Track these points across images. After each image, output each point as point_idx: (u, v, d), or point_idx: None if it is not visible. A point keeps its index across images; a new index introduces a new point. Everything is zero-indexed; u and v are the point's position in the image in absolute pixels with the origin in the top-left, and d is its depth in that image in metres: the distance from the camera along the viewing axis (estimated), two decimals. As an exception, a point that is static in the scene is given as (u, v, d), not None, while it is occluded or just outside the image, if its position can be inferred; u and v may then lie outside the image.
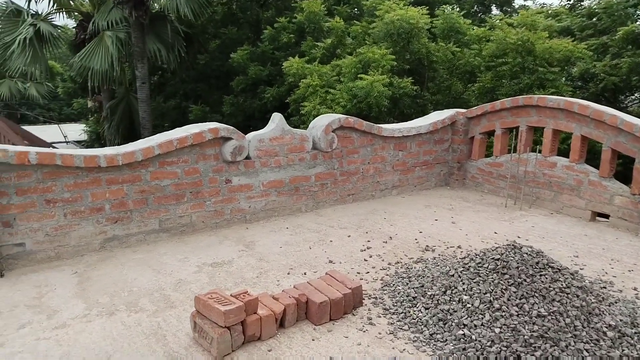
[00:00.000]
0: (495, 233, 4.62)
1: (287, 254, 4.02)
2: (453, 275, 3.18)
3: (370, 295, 3.31)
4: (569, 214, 5.18)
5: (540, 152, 5.38)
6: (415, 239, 4.39)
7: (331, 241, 4.31)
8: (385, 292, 3.36)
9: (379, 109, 8.14)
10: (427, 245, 4.23)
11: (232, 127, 4.37)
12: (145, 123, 14.56)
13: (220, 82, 15.84)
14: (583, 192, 5.05)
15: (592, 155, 5.97)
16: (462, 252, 4.11)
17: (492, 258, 3.11)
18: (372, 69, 8.58)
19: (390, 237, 4.42)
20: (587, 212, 5.02)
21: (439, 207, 5.42)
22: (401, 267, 3.77)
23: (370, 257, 3.98)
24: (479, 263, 3.15)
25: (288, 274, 3.65)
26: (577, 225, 4.90)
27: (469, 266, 3.17)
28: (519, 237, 4.52)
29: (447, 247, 4.22)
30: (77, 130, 25.60)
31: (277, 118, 4.71)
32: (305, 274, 3.65)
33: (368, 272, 3.68)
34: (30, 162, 3.45)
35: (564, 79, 8.62)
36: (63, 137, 24.99)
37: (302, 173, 4.95)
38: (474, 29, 9.79)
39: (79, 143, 23.34)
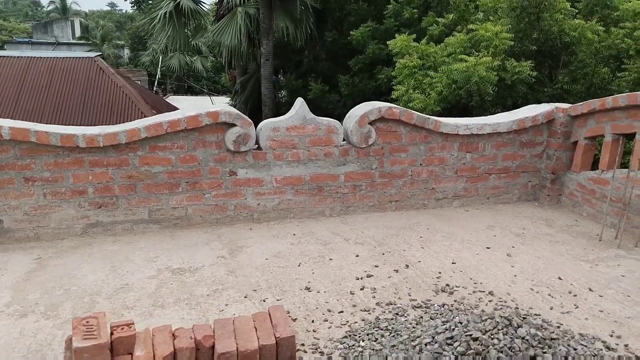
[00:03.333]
0: (560, 279, 3.38)
1: (266, 269, 3.38)
2: (415, 347, 2.25)
3: (317, 348, 2.54)
4: (694, 265, 3.63)
5: (663, 171, 3.85)
6: (439, 273, 3.41)
7: (331, 260, 3.55)
8: (341, 346, 2.55)
9: (481, 98, 6.85)
10: (447, 285, 3.23)
11: (236, 112, 3.82)
12: (266, 100, 14.76)
13: (346, 61, 15.32)
14: None
15: None
16: (491, 301, 3.05)
17: (469, 335, 2.12)
18: (482, 49, 7.24)
19: (407, 265, 3.50)
20: None
21: (505, 230, 4.23)
22: (389, 312, 2.88)
23: (362, 289, 3.15)
24: (447, 336, 2.17)
25: (245, 297, 3.02)
26: (698, 283, 3.39)
27: (434, 338, 2.21)
28: (590, 289, 3.24)
29: (474, 291, 3.17)
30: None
31: (298, 104, 4.03)
32: (265, 300, 2.99)
33: (342, 312, 2.88)
34: (2, 136, 3.34)
35: None
36: None
37: (327, 170, 4.21)
38: (630, 1, 7.68)
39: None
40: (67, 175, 3.58)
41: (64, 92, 12.83)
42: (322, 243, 3.82)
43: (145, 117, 12.99)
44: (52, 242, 3.65)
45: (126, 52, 46.00)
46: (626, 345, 2.63)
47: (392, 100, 8.05)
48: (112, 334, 2.22)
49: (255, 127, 3.94)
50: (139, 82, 24.22)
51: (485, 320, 2.46)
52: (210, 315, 2.81)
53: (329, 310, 2.90)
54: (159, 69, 29.17)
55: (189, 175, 3.86)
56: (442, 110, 7.20)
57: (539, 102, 6.96)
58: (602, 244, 4.01)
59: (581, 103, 4.55)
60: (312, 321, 2.78)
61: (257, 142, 3.98)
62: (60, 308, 2.83)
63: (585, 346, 2.60)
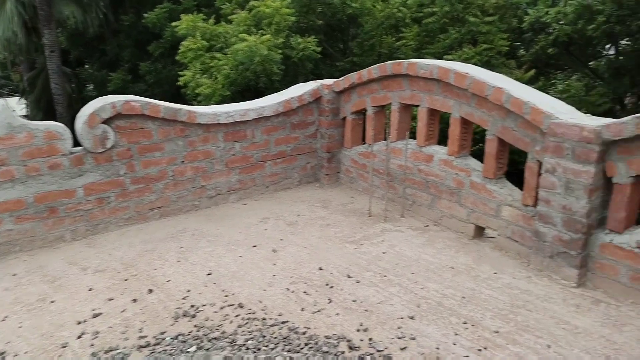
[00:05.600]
0: (321, 269, 3.16)
1: (-46, 332, 2.58)
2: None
3: None
4: (449, 227, 3.70)
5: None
6: (188, 291, 2.94)
7: (53, 302, 2.84)
8: None
9: (268, 78, 6.54)
10: (192, 306, 2.77)
11: None
12: (58, 97, 12.93)
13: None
14: (464, 198, 3.55)
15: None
16: (238, 316, 2.68)
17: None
18: (265, 27, 6.92)
19: (151, 290, 2.96)
20: (470, 226, 3.55)
21: (278, 220, 3.94)
22: (104, 363, 2.33)
23: (80, 337, 2.52)
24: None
25: None
26: (451, 247, 3.44)
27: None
28: (349, 276, 3.07)
29: (222, 307, 2.77)
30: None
31: (-3, 110, 3.18)
32: None
33: (40, 374, 2.26)
34: None
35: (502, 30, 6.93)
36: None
37: (58, 186, 3.45)
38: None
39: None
40: None
41: None
42: (50, 280, 3.09)
43: None
44: None
45: None
46: (370, 339, 2.45)
47: (180, 87, 7.40)
48: None
49: None
50: None
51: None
52: None
53: (23, 378, 2.24)
54: None
55: None
56: (233, 94, 6.77)
57: (332, 76, 6.89)
58: (372, 219, 3.93)
59: (342, 78, 4.42)
60: (-7, 401, 2.11)
61: (-58, 165, 3.07)
62: None
63: (327, 352, 2.36)
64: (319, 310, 2.71)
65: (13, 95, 24.19)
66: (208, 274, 3.13)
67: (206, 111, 3.95)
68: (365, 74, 4.12)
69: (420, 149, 3.81)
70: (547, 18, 7.03)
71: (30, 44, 13.35)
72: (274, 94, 4.57)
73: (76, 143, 3.47)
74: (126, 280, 3.09)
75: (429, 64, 3.55)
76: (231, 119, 4.07)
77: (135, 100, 3.59)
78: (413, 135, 3.93)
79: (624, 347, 2.33)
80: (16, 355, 2.41)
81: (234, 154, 4.22)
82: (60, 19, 12.78)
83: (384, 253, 3.37)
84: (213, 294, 2.91)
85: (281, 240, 3.59)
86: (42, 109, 14.25)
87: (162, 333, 2.54)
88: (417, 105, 3.82)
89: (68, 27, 13.63)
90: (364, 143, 4.52)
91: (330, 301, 2.80)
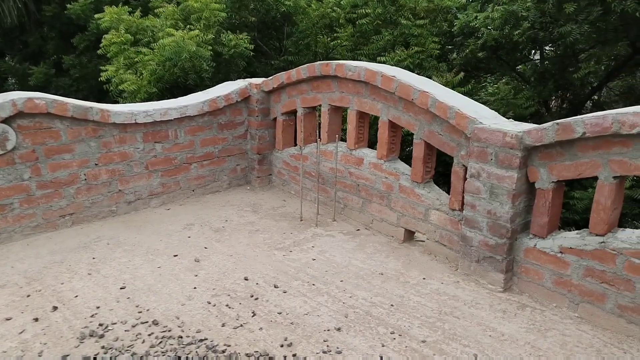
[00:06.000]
0: (246, 280, 2.99)
1: None
2: None
3: None
4: (380, 231, 3.65)
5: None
6: (97, 308, 2.68)
7: (-63, 323, 2.52)
8: None
9: (198, 75, 6.25)
10: (101, 324, 2.52)
11: None
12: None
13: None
14: (394, 202, 3.51)
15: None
16: (152, 334, 2.46)
17: None
18: (194, 22, 6.61)
19: (56, 307, 2.68)
20: (400, 230, 3.50)
21: (204, 227, 3.72)
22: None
23: (-33, 362, 2.24)
24: None
25: None
26: (381, 251, 3.38)
27: None
28: (276, 286, 2.92)
29: (135, 325, 2.53)
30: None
31: None
32: None
33: None
34: None
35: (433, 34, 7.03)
36: None
37: (-53, 193, 3.07)
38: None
39: None
40: None
41: None
42: (-64, 298, 2.73)
43: None
44: None
45: None
46: (294, 355, 2.32)
47: (102, 84, 6.95)
48: None
49: None
50: None
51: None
52: None
53: None
54: None
55: None
56: (160, 91, 6.41)
57: (267, 75, 6.70)
58: (303, 224, 3.81)
59: (271, 77, 4.26)
60: None
61: None
62: None
63: (248, 371, 2.20)
64: (241, 325, 2.54)
65: None
66: (121, 288, 2.88)
67: (122, 110, 3.66)
68: (294, 74, 3.99)
69: (351, 152, 3.73)
70: (475, 23, 7.21)
71: None
72: (199, 93, 4.34)
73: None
74: (28, 296, 2.78)
75: (356, 66, 3.47)
76: (150, 118, 3.81)
77: (40, 97, 3.26)
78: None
79: (548, 354, 2.34)
80: None
81: (154, 156, 3.95)
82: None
83: (314, 260, 3.25)
84: (125, 310, 2.66)
85: (205, 248, 3.39)
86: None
87: (65, 357, 2.29)
88: (347, 108, 3.74)
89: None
90: (296, 145, 4.39)
91: (254, 314, 2.64)
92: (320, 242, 3.51)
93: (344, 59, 6.48)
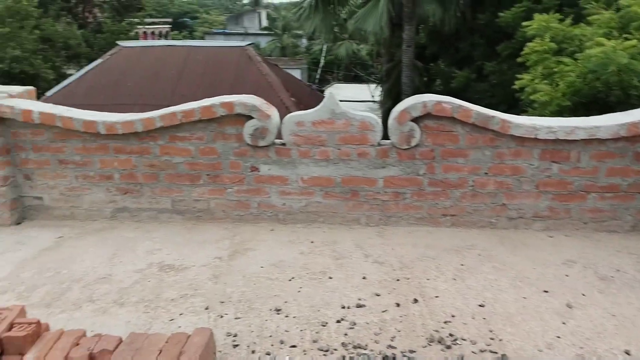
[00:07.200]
0: (627, 353, 2.38)
1: (252, 279, 3.03)
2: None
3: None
4: None
5: None
6: (452, 316, 2.67)
7: (330, 278, 3.05)
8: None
9: (624, 92, 5.39)
10: (451, 334, 2.50)
11: (252, 103, 3.50)
12: (406, 89, 14.06)
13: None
14: None
15: None
16: (496, 369, 2.27)
17: None
18: (633, 30, 5.69)
19: (416, 300, 2.82)
20: None
21: (587, 269, 3.18)
22: (349, 359, 2.32)
23: (339, 322, 2.60)
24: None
25: (206, 308, 2.73)
26: None
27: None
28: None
29: (483, 350, 2.39)
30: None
31: (327, 96, 3.55)
32: (222, 316, 2.65)
33: (294, 347, 2.41)
34: (33, 120, 3.55)
35: None
36: (371, 96, 26.26)
37: (362, 173, 3.66)
38: None
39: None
40: (94, 160, 3.70)
41: (215, 79, 13.90)
42: (335, 257, 3.31)
43: (284, 104, 13.40)
44: (84, 222, 3.82)
45: (303, 42, 48.45)
46: None
47: (516, 92, 6.90)
48: (10, 330, 2.14)
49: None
50: (299, 71, 25.32)
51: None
52: (156, 323, 2.60)
53: (281, 342, 2.45)
54: (321, 58, 30.14)
55: (209, 167, 3.69)
56: (574, 105, 5.88)
57: None
58: None
59: None
60: (253, 351, 2.38)
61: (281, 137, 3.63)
62: (37, 290, 2.90)
63: None
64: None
65: (374, 83, 27.79)
66: (480, 305, 2.77)
67: (523, 122, 3.47)
68: None
69: None
70: None
71: (393, 39, 14.89)
72: (619, 114, 3.67)
73: (385, 137, 3.58)
74: (397, 280, 3.04)
75: None
76: (553, 135, 3.47)
77: (448, 102, 3.44)
78: None
79: None
80: (286, 316, 2.66)
81: (549, 176, 3.61)
82: (421, 16, 13.74)
83: None
84: (478, 330, 2.55)
85: (583, 295, 2.88)
86: (392, 98, 15.81)
87: (411, 352, 2.38)
88: None
89: (428, 24, 14.55)
90: None
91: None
92: None
93: None
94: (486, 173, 3.63)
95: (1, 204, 3.68)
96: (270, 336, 2.49)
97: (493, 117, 3.45)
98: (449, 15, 13.56)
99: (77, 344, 2.18)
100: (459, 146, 3.58)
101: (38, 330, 2.20)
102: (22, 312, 2.27)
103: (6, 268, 3.15)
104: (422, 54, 15.87)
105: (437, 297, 2.86)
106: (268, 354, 2.36)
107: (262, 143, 3.56)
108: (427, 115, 3.48)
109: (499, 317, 2.66)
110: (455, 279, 3.05)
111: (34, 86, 4.10)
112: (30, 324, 2.17)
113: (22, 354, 2.11)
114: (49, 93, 13.64)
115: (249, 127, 3.52)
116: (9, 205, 3.70)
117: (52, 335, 2.23)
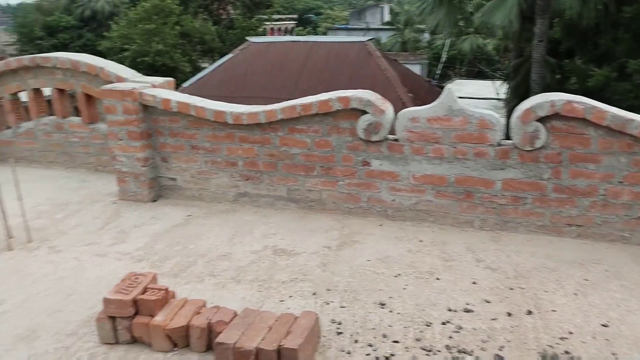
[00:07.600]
0: None
1: (359, 271, 3.08)
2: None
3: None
4: None
5: None
6: (570, 333, 2.48)
7: (438, 279, 2.99)
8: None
9: None
10: (567, 352, 2.34)
11: (367, 98, 3.52)
12: (535, 86, 13.15)
13: (648, 41, 12.16)
14: None
15: None
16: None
17: None
18: None
19: (531, 311, 2.66)
20: None
21: None
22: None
23: (445, 324, 2.56)
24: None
25: (314, 294, 2.85)
26: None
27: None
28: None
29: (600, 371, 2.21)
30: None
31: (444, 92, 3.45)
32: (329, 303, 2.76)
33: (396, 342, 2.42)
34: (172, 108, 3.94)
35: None
36: (496, 93, 24.99)
37: (478, 173, 3.52)
38: None
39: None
40: (222, 147, 4.00)
41: (335, 74, 14.20)
42: (444, 258, 3.24)
43: (401, 99, 13.27)
44: (210, 203, 4.16)
45: (425, 36, 47.35)
46: None
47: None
48: (144, 293, 2.43)
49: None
50: (419, 66, 24.85)
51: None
52: (268, 302, 2.77)
53: (384, 336, 2.48)
54: (443, 53, 29.25)
55: (322, 159, 3.80)
56: None
57: None
58: None
59: None
60: (356, 341, 2.44)
61: (394, 133, 3.62)
62: (167, 261, 3.24)
63: None
64: None
65: (499, 79, 26.34)
66: (603, 325, 2.54)
67: None
68: None
69: None
70: None
71: (523, 33, 13.96)
72: None
73: (506, 136, 3.41)
74: (511, 289, 2.89)
75: None
76: None
77: (579, 101, 3.16)
78: None
79: None
80: (390, 311, 2.67)
81: None
82: (556, 9, 12.72)
83: None
84: (599, 351, 2.35)
85: None
86: (519, 96, 14.82)
87: (522, 364, 2.26)
88: None
89: (564, 17, 13.42)
90: None
91: None
92: None
93: None
94: (620, 182, 3.29)
95: (141, 182, 4.14)
96: (373, 329, 2.53)
97: (632, 120, 3.11)
98: (588, 7, 12.36)
99: (199, 313, 2.42)
100: (590, 150, 3.29)
101: (166, 297, 2.46)
102: (154, 279, 2.56)
103: (143, 239, 3.56)
104: (555, 49, 14.67)
105: (554, 310, 2.67)
106: (370, 345, 2.40)
107: (374, 138, 3.59)
108: (555, 116, 3.24)
109: (624, 340, 2.43)
110: (576, 294, 2.83)
111: (173, 78, 4.55)
112: (160, 290, 2.45)
113: (152, 316, 2.38)
114: (185, 84, 14.98)
115: (363, 121, 3.56)
116: (148, 184, 4.16)
117: (178, 302, 2.48)
